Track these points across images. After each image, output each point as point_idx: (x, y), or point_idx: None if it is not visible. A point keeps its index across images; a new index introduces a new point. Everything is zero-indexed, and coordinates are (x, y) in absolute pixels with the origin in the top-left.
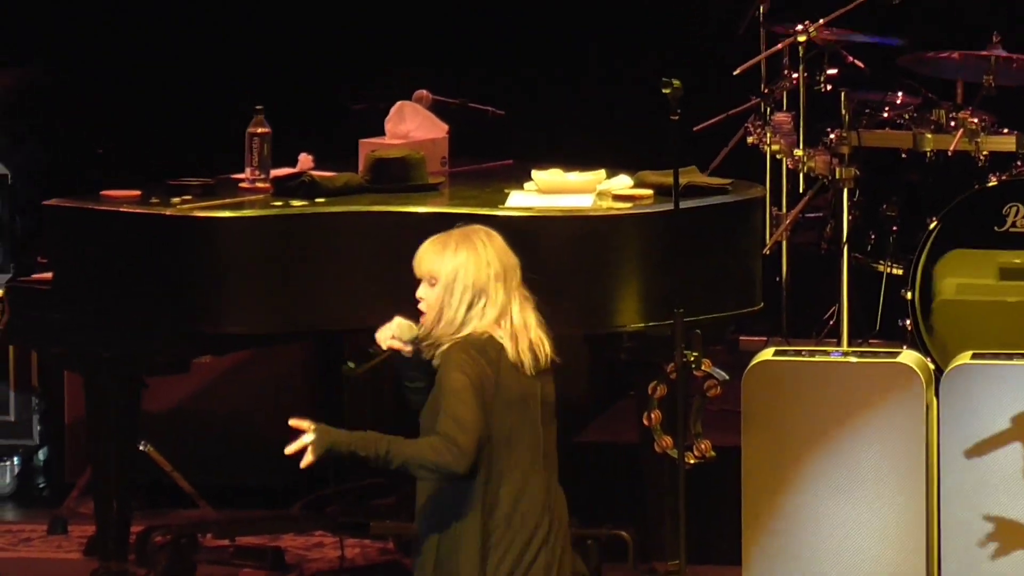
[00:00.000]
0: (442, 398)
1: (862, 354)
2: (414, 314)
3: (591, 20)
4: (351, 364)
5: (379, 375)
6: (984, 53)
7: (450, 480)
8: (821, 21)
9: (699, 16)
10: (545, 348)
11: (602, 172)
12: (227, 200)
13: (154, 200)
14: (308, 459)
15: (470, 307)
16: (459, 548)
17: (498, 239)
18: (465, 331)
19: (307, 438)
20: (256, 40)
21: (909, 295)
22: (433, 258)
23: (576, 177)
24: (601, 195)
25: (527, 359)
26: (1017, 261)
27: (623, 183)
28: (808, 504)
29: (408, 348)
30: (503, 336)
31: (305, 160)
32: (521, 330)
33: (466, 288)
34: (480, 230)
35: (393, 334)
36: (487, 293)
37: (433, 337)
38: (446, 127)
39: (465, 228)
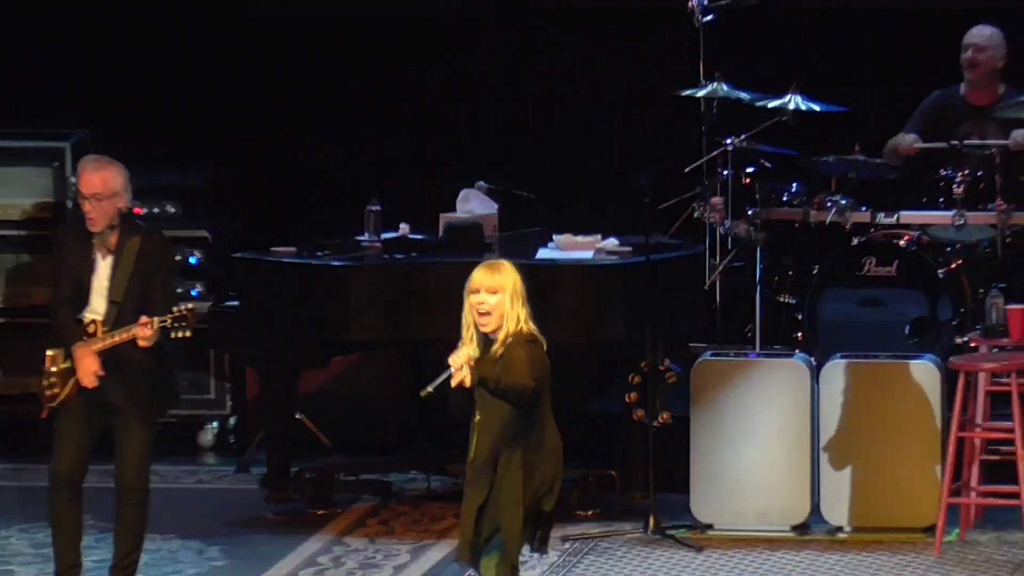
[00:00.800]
0: (515, 364)
1: (769, 355)
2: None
3: (598, 144)
4: (429, 389)
5: (445, 391)
6: (849, 157)
7: (520, 408)
8: (743, 136)
9: (662, 132)
10: None
11: (599, 236)
12: (353, 254)
13: (305, 254)
14: (468, 382)
15: (524, 307)
16: (510, 471)
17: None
18: (524, 327)
19: (465, 373)
20: (371, 142)
21: (800, 317)
22: (495, 275)
23: (582, 239)
24: (598, 251)
25: None
26: (871, 295)
27: (612, 243)
28: (733, 453)
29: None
30: (536, 332)
31: (404, 228)
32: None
33: (520, 294)
34: (503, 261)
35: (468, 356)
36: (526, 299)
37: (500, 331)
38: (496, 205)
39: (494, 260)
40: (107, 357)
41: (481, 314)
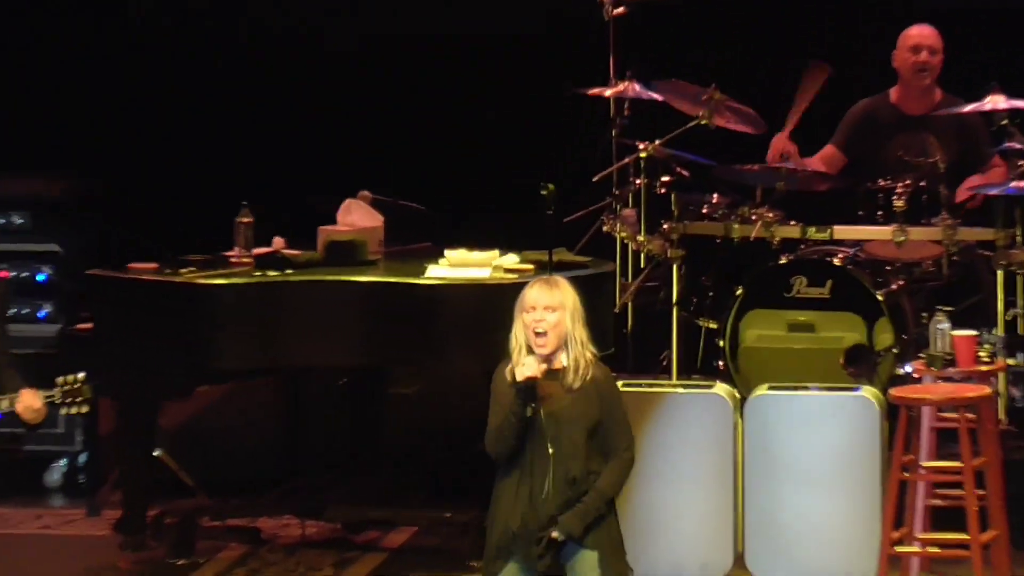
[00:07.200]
0: (616, 408)
1: (686, 386)
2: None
3: (495, 150)
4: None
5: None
6: (778, 165)
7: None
8: (657, 141)
9: (569, 137)
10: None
11: (496, 252)
12: (221, 271)
13: (167, 271)
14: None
15: (584, 327)
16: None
17: None
18: (588, 353)
19: (555, 534)
20: (245, 150)
21: (721, 343)
22: (554, 291)
23: (477, 255)
24: (495, 268)
25: None
26: (801, 318)
27: (511, 260)
28: (646, 496)
29: (541, 375)
30: (596, 354)
31: (278, 242)
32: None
33: (579, 313)
34: (559, 277)
35: (537, 366)
36: (584, 319)
37: (559, 353)
38: (382, 218)
39: (549, 276)
40: None
41: (538, 334)
